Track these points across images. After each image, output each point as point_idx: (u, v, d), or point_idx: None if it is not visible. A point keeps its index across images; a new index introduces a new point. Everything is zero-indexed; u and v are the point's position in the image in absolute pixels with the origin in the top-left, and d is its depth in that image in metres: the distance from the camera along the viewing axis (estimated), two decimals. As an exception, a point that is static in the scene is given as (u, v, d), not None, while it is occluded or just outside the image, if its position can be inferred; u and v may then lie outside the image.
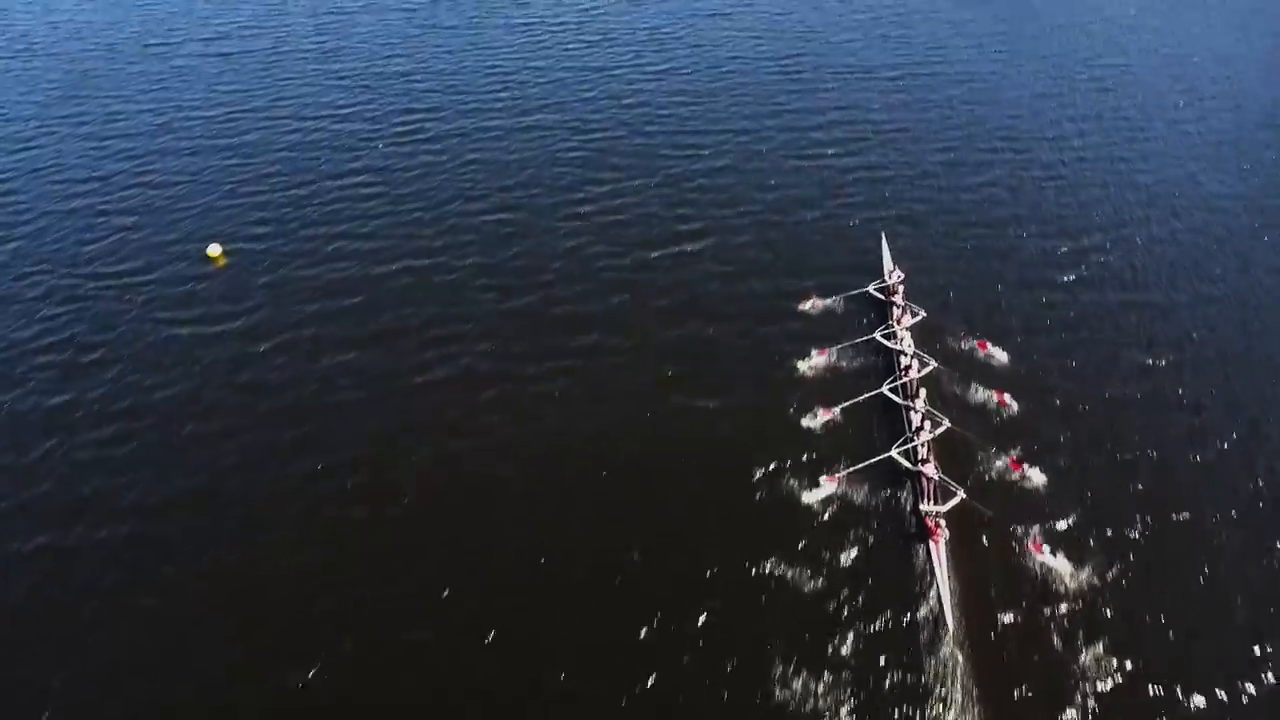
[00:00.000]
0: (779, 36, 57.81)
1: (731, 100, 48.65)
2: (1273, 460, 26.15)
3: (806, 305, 32.05)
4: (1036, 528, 23.46)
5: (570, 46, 55.60)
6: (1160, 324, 32.28)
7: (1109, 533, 23.53)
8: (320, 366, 29.33)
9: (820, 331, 30.95)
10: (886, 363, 29.55)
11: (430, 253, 35.24)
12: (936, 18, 62.18)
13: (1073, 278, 34.71)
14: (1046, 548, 22.62)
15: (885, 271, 33.47)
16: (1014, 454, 25.53)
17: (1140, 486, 25.13)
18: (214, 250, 35.19)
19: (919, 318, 30.87)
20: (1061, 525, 23.68)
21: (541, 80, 50.75)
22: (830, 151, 43.36)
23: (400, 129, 45.09)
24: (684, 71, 52.14)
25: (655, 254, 34.97)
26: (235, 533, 23.48)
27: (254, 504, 24.32)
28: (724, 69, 52.70)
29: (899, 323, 30.39)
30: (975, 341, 30.14)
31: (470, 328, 30.99)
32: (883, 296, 32.16)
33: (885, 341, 29.95)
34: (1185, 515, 24.18)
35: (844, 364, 29.64)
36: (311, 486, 24.78)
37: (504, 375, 28.71)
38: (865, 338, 30.24)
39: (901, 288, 32.04)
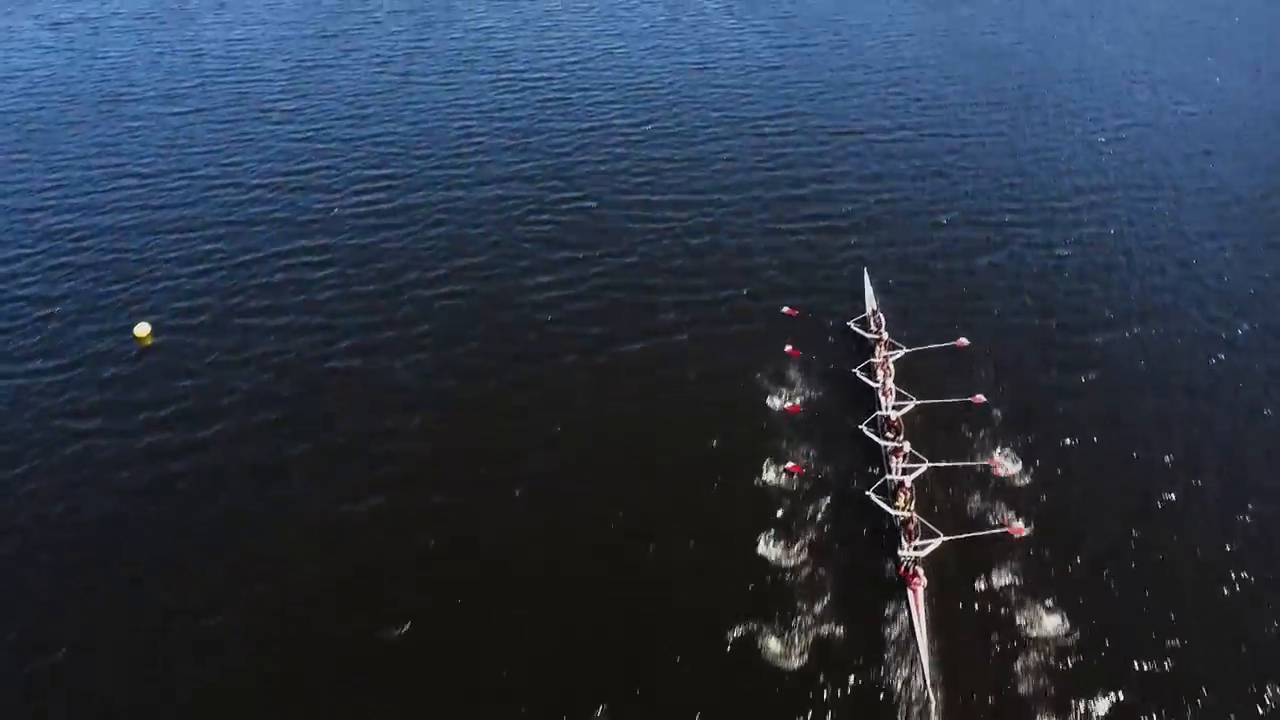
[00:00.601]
0: (768, 92, 55.17)
1: (716, 162, 45.87)
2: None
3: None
4: (1019, 573, 22.91)
5: (547, 102, 53.11)
6: (1157, 373, 31.46)
7: (1097, 580, 23.04)
8: (240, 492, 26.07)
9: (798, 368, 30.56)
10: (865, 399, 28.80)
11: (378, 340, 32.16)
12: (931, 74, 59.71)
13: (1060, 317, 33.89)
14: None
15: (868, 309, 32.89)
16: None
17: (1131, 532, 24.55)
18: (142, 330, 32.36)
19: (899, 354, 30.31)
20: (1045, 571, 23.12)
21: (513, 140, 48.10)
22: (816, 224, 40.53)
23: (359, 195, 42.25)
24: (667, 130, 49.48)
25: (623, 348, 31.95)
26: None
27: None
28: (709, 127, 50.06)
29: (879, 359, 29.81)
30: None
31: (415, 448, 27.40)
32: (862, 332, 31.75)
33: (864, 378, 29.40)
34: (1178, 561, 23.77)
35: (821, 400, 29.06)
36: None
37: (452, 507, 25.37)
38: (845, 373, 29.76)
39: (883, 323, 31.60)
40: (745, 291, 35.05)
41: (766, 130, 49.64)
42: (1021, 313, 34.39)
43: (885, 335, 31.02)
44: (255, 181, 43.36)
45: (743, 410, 28.81)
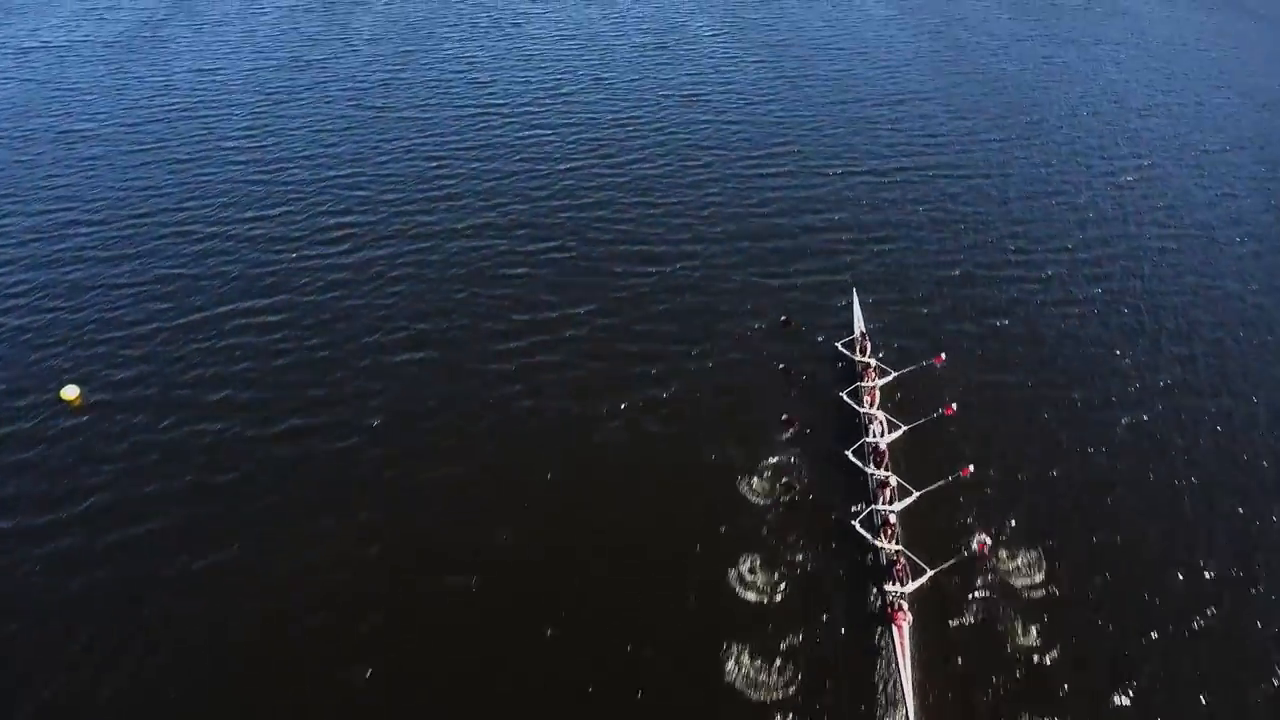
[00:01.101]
0: (760, 128, 52.42)
1: (705, 206, 42.86)
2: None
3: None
4: (1011, 611, 22.24)
5: (526, 139, 50.16)
6: (1149, 410, 30.17)
7: (1091, 620, 22.30)
8: (170, 584, 23.23)
9: (783, 389, 29.93)
10: (852, 424, 28.06)
11: (330, 416, 29.04)
12: (933, 106, 56.87)
13: (1080, 390, 31.29)
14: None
15: (855, 328, 32.20)
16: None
17: (1124, 570, 23.80)
18: (70, 392, 29.49)
19: (888, 378, 29.55)
20: (1038, 609, 22.35)
21: (487, 182, 45.02)
22: (809, 277, 37.46)
23: (320, 245, 39.16)
24: (652, 172, 46.38)
25: (600, 429, 28.73)
26: None
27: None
28: (696, 167, 47.06)
29: (866, 382, 29.09)
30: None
31: (363, 554, 24.07)
32: (850, 354, 30.96)
33: (851, 402, 28.70)
34: (1174, 603, 22.98)
35: (806, 426, 28.02)
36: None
37: (396, 624, 22.23)
38: (830, 398, 29.06)
39: (870, 345, 30.98)
40: (734, 356, 32.02)
41: (758, 170, 46.48)
42: (1041, 384, 31.22)
43: (873, 360, 30.15)
44: (210, 230, 40.25)
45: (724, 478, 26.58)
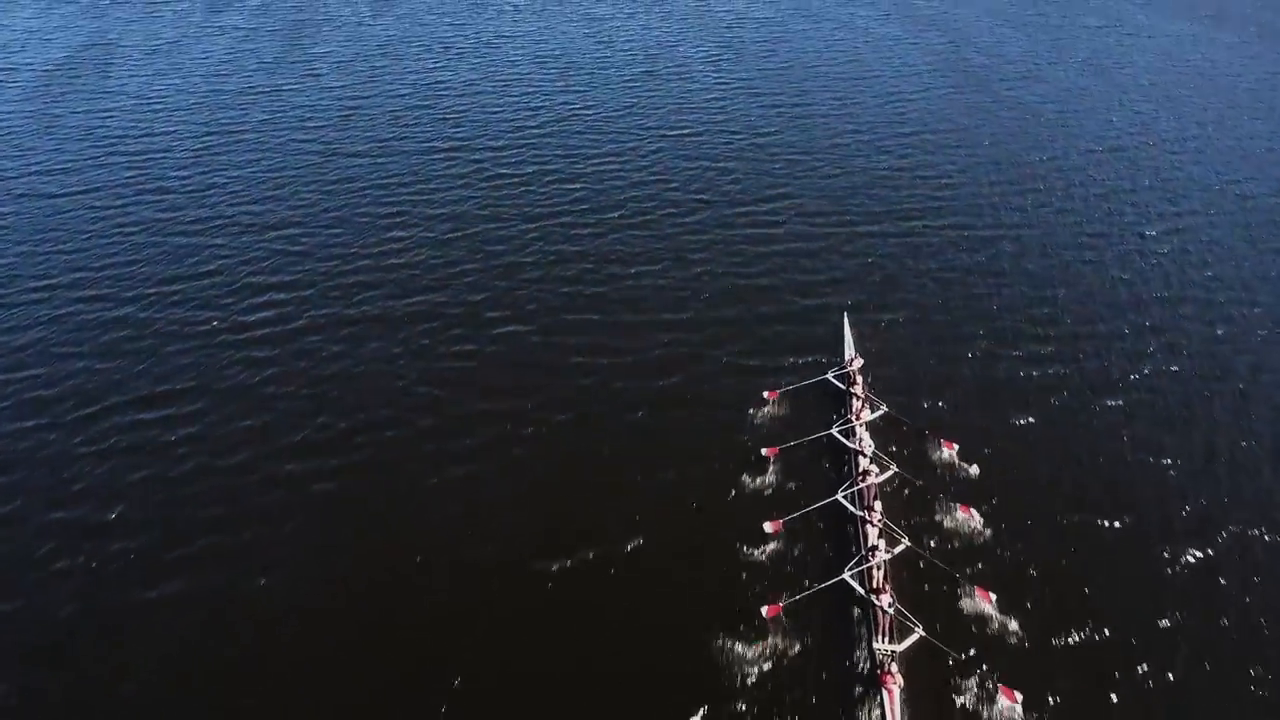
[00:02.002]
0: (755, 167, 47.73)
1: (692, 263, 37.98)
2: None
3: (767, 395, 29.68)
4: (1007, 673, 20.53)
5: (496, 181, 45.43)
6: (1158, 437, 28.59)
7: (1092, 682, 20.61)
8: None
9: (772, 426, 28.46)
10: (843, 463, 26.87)
11: (231, 546, 24.01)
12: (945, 142, 51.88)
13: (1053, 377, 31.03)
14: (1020, 698, 20.00)
15: (846, 358, 31.13)
16: (981, 585, 22.59)
17: (1126, 628, 21.91)
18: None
19: (880, 412, 28.58)
20: (1038, 672, 20.71)
21: (447, 233, 40.16)
22: (813, 378, 32.48)
23: (244, 314, 34.10)
24: (636, 221, 41.46)
25: (556, 566, 23.76)
26: None
27: None
28: (685, 215, 42.22)
29: (858, 417, 28.01)
30: (942, 443, 27.37)
31: None
32: (842, 385, 29.85)
33: (842, 439, 27.44)
34: (1177, 657, 21.28)
35: (795, 462, 26.76)
36: None
37: None
38: (821, 434, 27.69)
39: (861, 377, 29.97)
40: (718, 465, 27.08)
41: (752, 220, 41.67)
42: (1079, 507, 26.20)
43: (864, 391, 29.21)
44: (128, 294, 35.33)
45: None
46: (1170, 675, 21.07)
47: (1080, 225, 42.31)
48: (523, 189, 44.48)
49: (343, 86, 59.04)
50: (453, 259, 38.08)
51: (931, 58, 66.44)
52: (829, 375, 30.43)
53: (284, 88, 58.71)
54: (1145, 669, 21.12)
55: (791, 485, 26.00)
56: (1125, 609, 22.62)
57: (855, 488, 25.57)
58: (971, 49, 69.13)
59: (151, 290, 35.55)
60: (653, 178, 45.91)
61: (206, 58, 64.93)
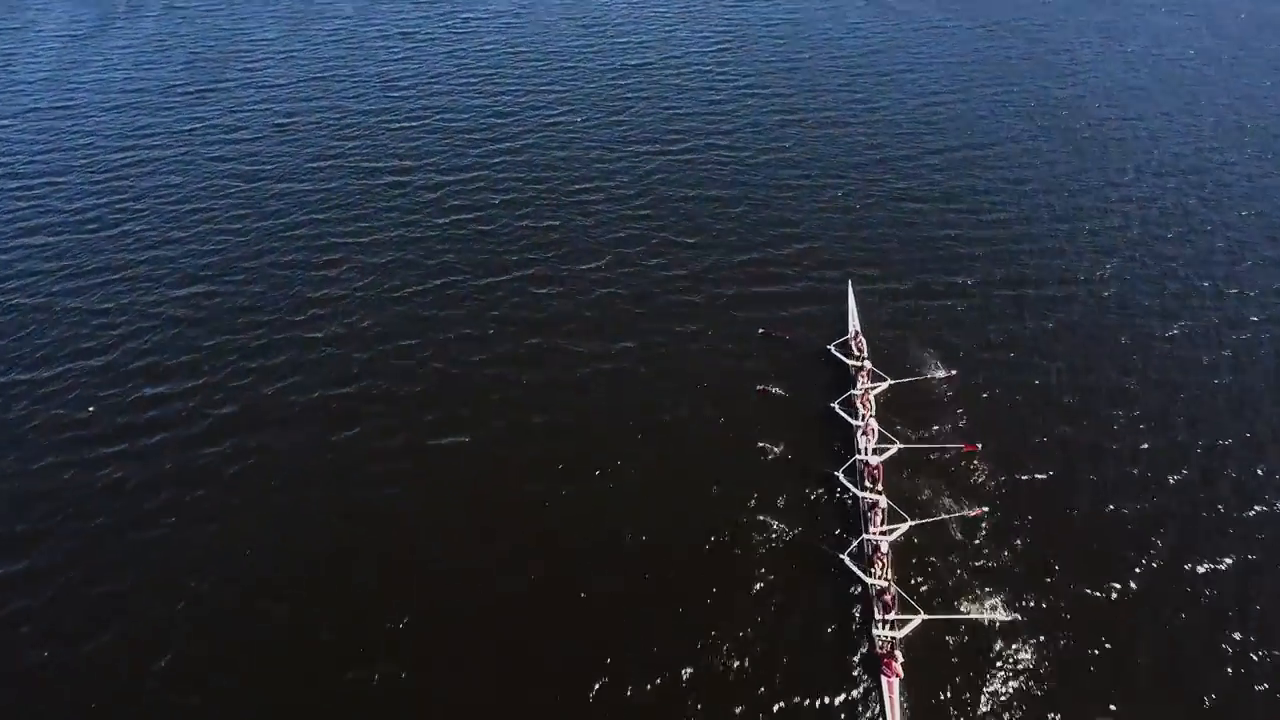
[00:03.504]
0: (752, 209, 40.74)
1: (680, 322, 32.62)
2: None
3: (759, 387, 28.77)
4: (1009, 660, 20.21)
5: (461, 223, 38.67)
6: (1182, 422, 27.63)
7: (1095, 673, 20.02)
8: None
9: (773, 401, 27.87)
10: (843, 439, 26.17)
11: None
12: (991, 157, 46.21)
13: (1071, 351, 30.25)
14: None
15: (849, 326, 30.36)
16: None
17: (1135, 623, 21.29)
18: None
19: (883, 385, 27.81)
20: (1038, 661, 20.28)
21: (393, 293, 33.84)
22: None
23: (136, 392, 28.72)
24: (629, 273, 35.54)
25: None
26: None
27: None
28: (681, 276, 35.53)
29: (860, 391, 27.24)
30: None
31: None
32: (844, 357, 29.04)
33: (844, 414, 26.78)
34: (1186, 648, 20.71)
35: (796, 438, 26.29)
36: None
37: None
38: (822, 408, 27.14)
39: (865, 348, 29.16)
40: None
41: (757, 274, 35.31)
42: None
43: (868, 363, 28.33)
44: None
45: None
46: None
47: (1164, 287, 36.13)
48: (485, 234, 38.15)
49: (287, 104, 52.30)
50: (404, 322, 32.27)
51: (966, 54, 60.55)
52: (831, 347, 29.68)
53: (219, 108, 51.71)
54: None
55: (790, 465, 25.67)
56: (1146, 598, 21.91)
57: (856, 464, 24.97)
58: (1019, 36, 64.03)
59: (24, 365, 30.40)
60: (643, 211, 40.02)
61: (130, 79, 56.57)
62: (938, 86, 54.35)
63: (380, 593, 22.11)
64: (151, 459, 26.05)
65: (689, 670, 20.08)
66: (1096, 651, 20.69)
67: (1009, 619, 21.21)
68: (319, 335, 31.38)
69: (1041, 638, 20.96)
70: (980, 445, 26.11)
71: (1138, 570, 22.89)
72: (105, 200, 40.70)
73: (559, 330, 31.64)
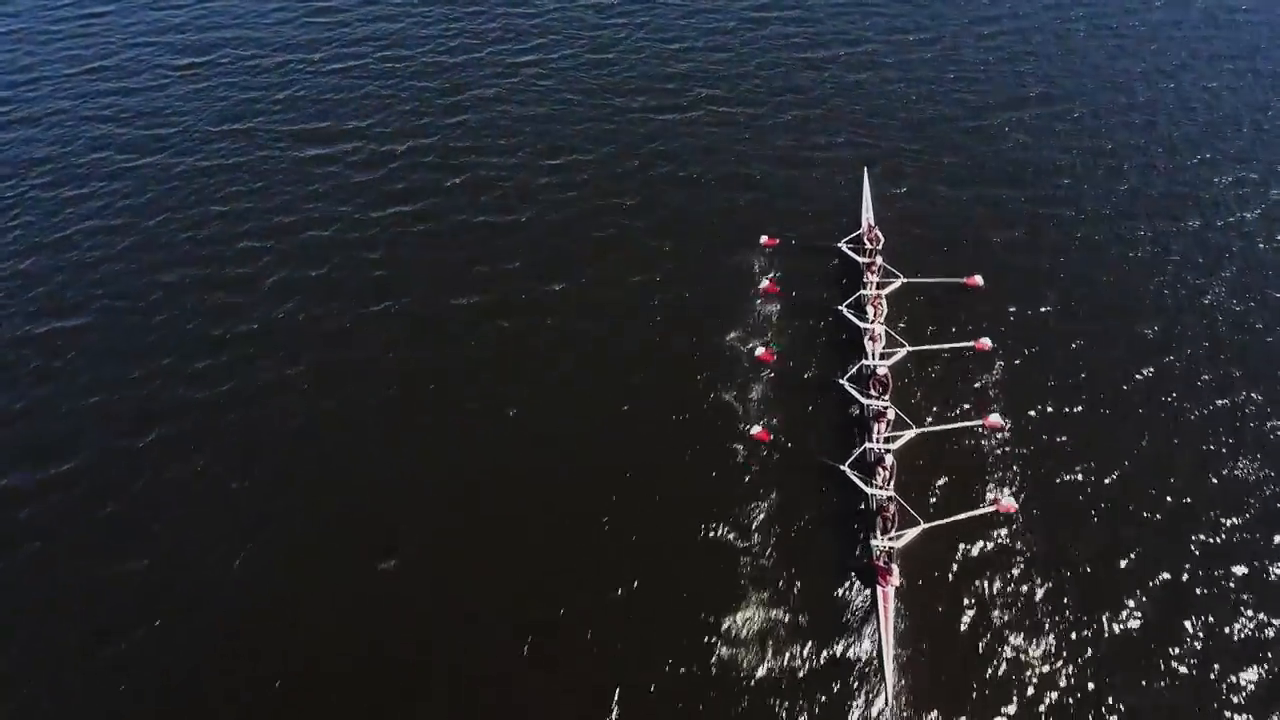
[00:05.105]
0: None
1: None
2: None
3: (765, 244, 28.60)
4: (1008, 572, 19.89)
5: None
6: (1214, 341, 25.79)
7: (1103, 590, 19.56)
8: None
9: (775, 300, 26.88)
10: (851, 345, 25.21)
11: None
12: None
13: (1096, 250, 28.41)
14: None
15: (862, 220, 28.88)
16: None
17: (1149, 532, 20.70)
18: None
19: (895, 284, 26.51)
20: (1041, 571, 19.91)
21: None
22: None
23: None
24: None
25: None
26: None
27: None
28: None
29: (871, 293, 26.00)
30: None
31: None
32: (854, 255, 27.65)
33: (852, 317, 25.70)
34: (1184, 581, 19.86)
35: (800, 343, 25.55)
36: None
37: None
38: (829, 310, 26.20)
39: (880, 242, 27.77)
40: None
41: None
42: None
43: (880, 260, 27.00)
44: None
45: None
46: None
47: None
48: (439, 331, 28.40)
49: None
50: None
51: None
52: (842, 244, 28.13)
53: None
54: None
55: (793, 370, 24.88)
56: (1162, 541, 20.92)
57: (861, 371, 24.13)
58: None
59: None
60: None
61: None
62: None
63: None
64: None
65: (680, 585, 19.88)
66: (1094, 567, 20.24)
67: (1011, 520, 20.70)
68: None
69: (1043, 547, 20.49)
70: (992, 344, 24.80)
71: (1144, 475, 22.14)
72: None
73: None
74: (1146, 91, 37.23)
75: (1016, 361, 24.92)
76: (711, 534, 20.81)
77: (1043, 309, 26.84)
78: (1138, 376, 24.72)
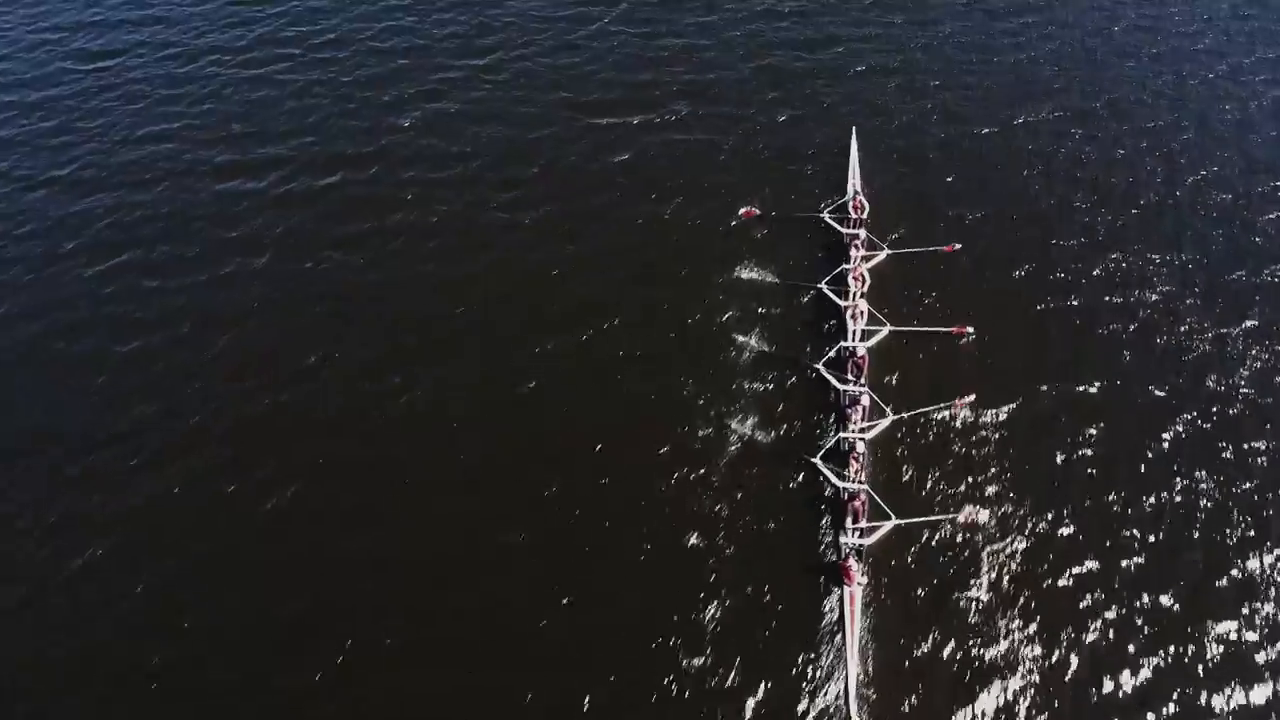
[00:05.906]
0: None
1: None
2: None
3: (744, 214, 27.39)
4: (980, 577, 19.09)
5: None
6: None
7: (1069, 601, 18.76)
8: None
9: (754, 280, 25.76)
10: (830, 326, 24.21)
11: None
12: None
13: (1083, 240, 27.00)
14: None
15: (849, 187, 27.58)
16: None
17: (1132, 530, 20.00)
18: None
19: (880, 257, 25.50)
20: (1012, 580, 19.10)
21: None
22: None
23: None
24: None
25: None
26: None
27: None
28: None
29: (853, 266, 24.77)
30: (946, 245, 25.46)
31: None
32: (838, 225, 26.42)
33: (832, 295, 24.52)
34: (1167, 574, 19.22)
35: (774, 325, 24.40)
36: None
37: None
38: (809, 287, 25.10)
39: (866, 211, 26.48)
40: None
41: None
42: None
43: (864, 232, 25.87)
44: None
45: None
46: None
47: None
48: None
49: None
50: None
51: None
52: (824, 214, 26.95)
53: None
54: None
55: (768, 355, 23.91)
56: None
57: (840, 353, 23.15)
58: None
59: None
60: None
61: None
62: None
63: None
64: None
65: (639, 573, 19.26)
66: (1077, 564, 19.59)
67: (985, 520, 19.89)
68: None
69: (1020, 543, 19.80)
70: (972, 329, 23.69)
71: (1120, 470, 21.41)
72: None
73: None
74: (1157, 83, 34.90)
75: (988, 339, 23.94)
76: (670, 527, 20.03)
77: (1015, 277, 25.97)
78: (1126, 347, 23.99)
